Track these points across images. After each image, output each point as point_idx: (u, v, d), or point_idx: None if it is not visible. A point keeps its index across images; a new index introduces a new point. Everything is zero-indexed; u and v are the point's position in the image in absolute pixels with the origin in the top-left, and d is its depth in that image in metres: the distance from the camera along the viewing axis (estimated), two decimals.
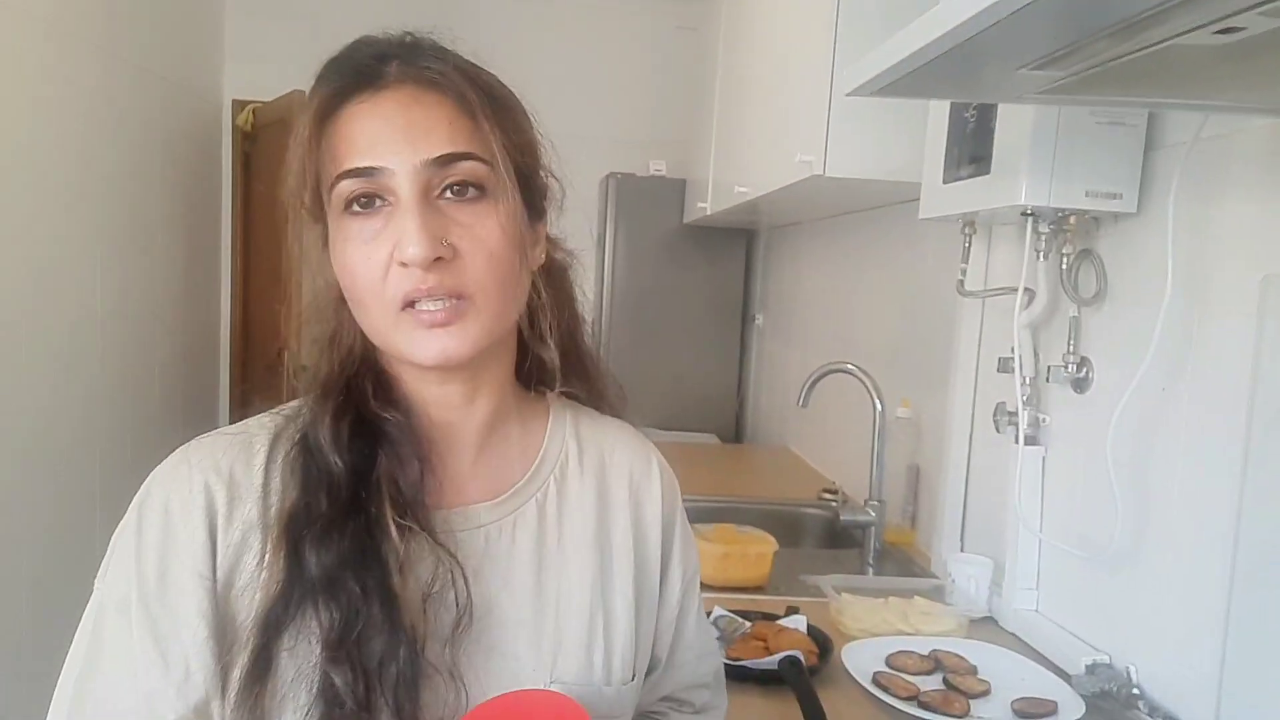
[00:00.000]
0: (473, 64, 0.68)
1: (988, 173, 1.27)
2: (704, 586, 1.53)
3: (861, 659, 1.24)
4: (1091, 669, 1.19)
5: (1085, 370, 1.31)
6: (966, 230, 1.49)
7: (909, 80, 0.86)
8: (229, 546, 0.64)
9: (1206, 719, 1.04)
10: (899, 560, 1.81)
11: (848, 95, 0.96)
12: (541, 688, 0.69)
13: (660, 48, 3.79)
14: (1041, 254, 1.30)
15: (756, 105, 2.37)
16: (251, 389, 3.66)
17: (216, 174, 3.76)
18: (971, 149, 1.32)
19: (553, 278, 0.76)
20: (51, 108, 2.49)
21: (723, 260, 3.52)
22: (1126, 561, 1.20)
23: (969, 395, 1.65)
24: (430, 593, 0.65)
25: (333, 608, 0.61)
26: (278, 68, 3.22)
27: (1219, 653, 1.01)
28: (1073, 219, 1.25)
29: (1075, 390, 1.33)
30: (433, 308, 0.63)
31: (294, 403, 0.71)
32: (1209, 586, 1.04)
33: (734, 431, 3.55)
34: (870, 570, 1.79)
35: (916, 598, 1.46)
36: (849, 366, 1.86)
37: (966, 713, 1.12)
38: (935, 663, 1.25)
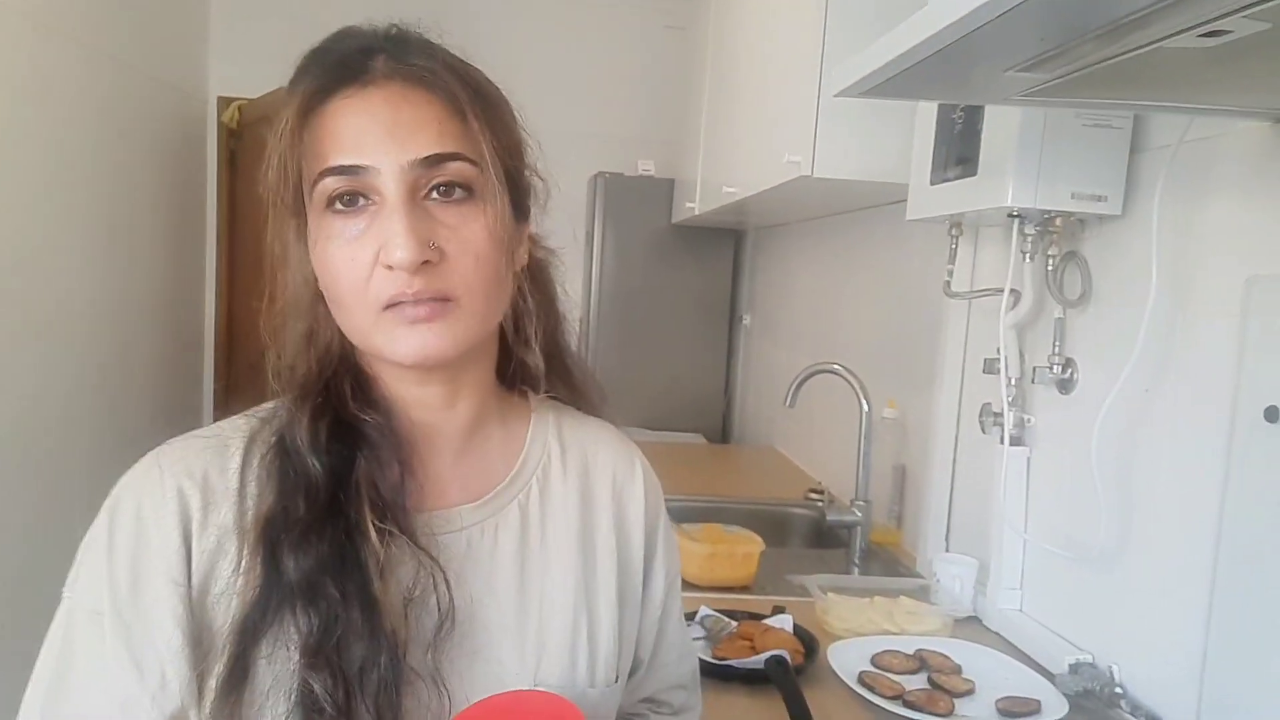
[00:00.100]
0: (461, 60, 0.67)
1: (975, 174, 1.27)
2: (690, 586, 1.54)
3: (847, 658, 1.24)
4: (1075, 668, 1.19)
5: (1070, 371, 1.31)
6: (953, 231, 1.50)
7: (897, 81, 0.86)
8: (204, 552, 0.62)
9: (1188, 718, 1.04)
10: (885, 560, 1.81)
11: (836, 96, 0.96)
12: (535, 689, 0.68)
13: (649, 47, 3.78)
14: (1027, 255, 1.30)
15: (745, 105, 2.37)
16: (235, 387, 3.64)
17: (201, 171, 3.72)
18: (959, 150, 1.32)
19: (535, 277, 0.75)
20: (34, 103, 2.45)
21: (710, 260, 3.51)
22: (1110, 561, 1.21)
23: (955, 396, 1.66)
24: (412, 597, 0.64)
25: (311, 613, 0.60)
26: (264, 64, 3.14)
27: (1201, 652, 1.02)
28: (1058, 220, 1.26)
29: (1060, 391, 1.33)
30: (416, 304, 0.62)
31: (269, 404, 0.70)
32: (1192, 586, 1.05)
33: (721, 432, 3.55)
34: (856, 570, 1.79)
35: (902, 597, 1.47)
36: (836, 367, 1.86)
37: (951, 712, 1.12)
38: (920, 662, 1.26)
